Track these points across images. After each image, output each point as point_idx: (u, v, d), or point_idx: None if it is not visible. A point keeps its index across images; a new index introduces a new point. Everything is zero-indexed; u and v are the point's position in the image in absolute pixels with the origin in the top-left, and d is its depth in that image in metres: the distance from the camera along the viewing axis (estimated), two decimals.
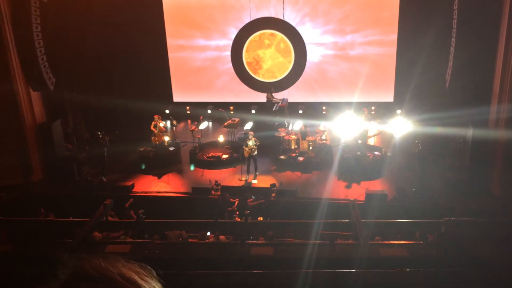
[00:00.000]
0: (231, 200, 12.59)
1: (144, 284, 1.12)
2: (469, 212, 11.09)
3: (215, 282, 7.56)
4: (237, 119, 17.20)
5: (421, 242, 8.23)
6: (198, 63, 20.22)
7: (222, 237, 10.47)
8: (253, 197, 12.70)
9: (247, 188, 13.91)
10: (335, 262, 7.54)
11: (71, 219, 9.98)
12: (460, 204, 12.37)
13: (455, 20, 13.99)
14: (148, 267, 1.21)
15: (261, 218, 11.71)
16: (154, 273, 1.21)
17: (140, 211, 10.24)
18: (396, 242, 8.54)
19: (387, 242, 8.72)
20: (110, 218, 10.07)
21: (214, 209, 12.10)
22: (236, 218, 11.85)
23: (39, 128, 15.04)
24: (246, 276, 7.68)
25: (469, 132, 13.43)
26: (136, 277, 1.12)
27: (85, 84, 17.49)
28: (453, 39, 14.17)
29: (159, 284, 1.20)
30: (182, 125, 18.76)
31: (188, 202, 13.67)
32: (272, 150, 16.11)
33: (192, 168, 15.66)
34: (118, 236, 10.37)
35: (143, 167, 15.67)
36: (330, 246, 7.82)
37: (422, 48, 15.98)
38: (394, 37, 18.65)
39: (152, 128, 16.00)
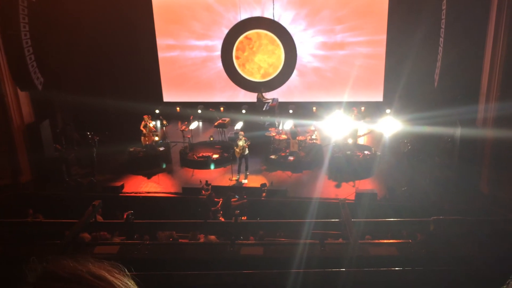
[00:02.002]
0: (215, 199, 12.57)
1: (115, 281, 1.10)
2: (458, 211, 11.19)
3: (205, 282, 7.53)
4: (227, 119, 17.19)
5: (410, 241, 8.26)
6: (188, 63, 20.17)
7: (212, 237, 10.44)
8: (237, 197, 12.68)
9: (231, 188, 13.89)
10: (326, 261, 7.55)
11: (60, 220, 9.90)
12: (448, 203, 12.47)
13: (443, 20, 14.08)
14: (120, 265, 1.19)
15: (245, 218, 11.69)
16: (127, 271, 1.19)
17: (128, 211, 10.19)
18: (385, 241, 8.56)
19: (376, 241, 8.74)
20: (98, 218, 10.00)
21: (198, 209, 12.09)
22: (220, 218, 11.84)
23: (27, 128, 14.90)
24: (236, 276, 7.65)
25: (457, 131, 13.52)
26: (106, 275, 1.11)
27: (74, 84, 17.39)
28: (441, 39, 14.27)
29: (131, 281, 1.18)
30: (172, 125, 18.70)
31: (178, 202, 13.63)
32: (263, 150, 16.12)
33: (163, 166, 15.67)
34: (109, 237, 10.32)
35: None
36: (321, 246, 7.83)
37: (411, 48, 16.07)
38: (383, 37, 18.74)
39: (141, 128, 15.93)
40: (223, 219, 11.66)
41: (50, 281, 1.05)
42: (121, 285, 1.10)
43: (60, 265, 1.09)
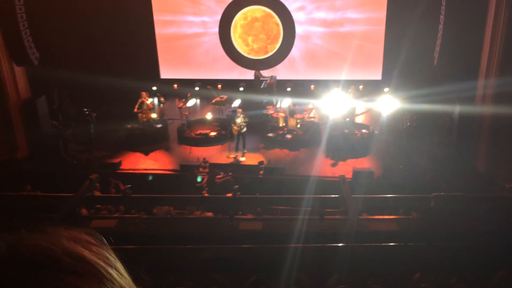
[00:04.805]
0: (200, 174, 12.56)
1: (94, 259, 0.91)
2: (455, 188, 11.20)
3: (203, 257, 7.54)
4: (225, 97, 17.07)
5: (410, 216, 8.29)
6: (186, 40, 19.96)
7: (209, 214, 10.44)
8: (222, 173, 12.66)
9: (228, 165, 13.82)
10: (325, 237, 7.56)
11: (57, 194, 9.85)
12: (446, 180, 12.48)
13: None
14: (96, 233, 0.99)
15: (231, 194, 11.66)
16: (104, 241, 0.99)
17: (126, 185, 10.14)
18: (385, 217, 8.58)
19: (376, 217, 8.75)
20: (95, 193, 9.97)
21: (183, 185, 12.06)
22: (205, 194, 11.81)
23: (23, 104, 14.73)
24: (235, 250, 7.68)
25: (456, 109, 13.48)
26: (85, 253, 0.91)
27: (70, 60, 17.19)
28: (441, 16, 14.13)
29: (110, 252, 0.98)
30: (169, 102, 18.57)
31: (176, 179, 13.60)
32: (260, 127, 16.05)
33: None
34: (104, 212, 10.30)
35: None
36: (320, 221, 7.84)
37: (411, 25, 15.92)
38: (383, 14, 18.55)
39: (136, 109, 15.73)
40: (207, 195, 11.63)
41: (14, 269, 0.83)
42: (101, 262, 0.91)
43: (29, 243, 0.88)
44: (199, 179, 12.45)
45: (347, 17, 18.95)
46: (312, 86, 19.38)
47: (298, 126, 15.76)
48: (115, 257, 0.98)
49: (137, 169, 14.09)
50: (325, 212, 8.45)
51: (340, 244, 7.21)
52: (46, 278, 0.83)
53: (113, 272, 0.93)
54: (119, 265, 0.97)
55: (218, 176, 12.49)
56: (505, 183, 11.89)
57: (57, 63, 16.68)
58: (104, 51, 18.51)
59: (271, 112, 16.35)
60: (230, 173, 12.71)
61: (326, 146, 14.92)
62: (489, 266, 6.94)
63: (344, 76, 18.24)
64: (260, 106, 17.18)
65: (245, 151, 14.71)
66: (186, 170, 13.57)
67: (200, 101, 19.14)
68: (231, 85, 19.29)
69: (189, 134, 15.86)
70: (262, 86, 17.60)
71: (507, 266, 6.80)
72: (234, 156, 14.57)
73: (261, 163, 13.57)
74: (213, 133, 15.83)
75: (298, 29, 19.32)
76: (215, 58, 20.07)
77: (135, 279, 1.01)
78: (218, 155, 14.89)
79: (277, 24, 19.37)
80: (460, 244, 7.40)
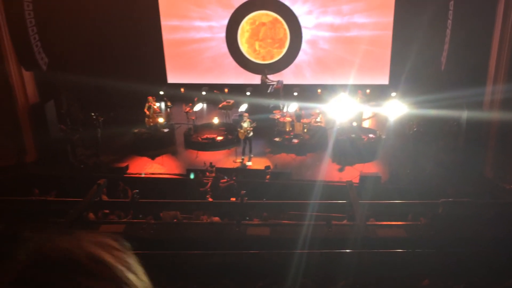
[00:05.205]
0: (204, 180, 12.58)
1: (115, 264, 0.96)
2: (462, 194, 11.15)
3: (211, 262, 7.55)
4: (232, 101, 17.10)
5: (419, 222, 8.25)
6: (193, 44, 20.02)
7: (216, 218, 10.45)
8: (226, 178, 12.67)
9: (235, 170, 13.84)
10: (332, 242, 7.56)
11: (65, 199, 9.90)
12: (452, 186, 12.43)
13: (451, 2, 13.90)
14: (121, 238, 1.04)
15: (234, 199, 11.68)
16: (128, 245, 1.04)
17: (134, 190, 10.17)
18: (393, 223, 8.55)
19: (384, 223, 8.73)
20: (103, 198, 10.01)
21: (186, 189, 12.09)
22: (209, 198, 11.83)
23: (32, 108, 14.85)
24: (242, 256, 7.68)
25: (464, 114, 13.44)
26: (106, 256, 0.96)
27: (79, 65, 17.28)
28: (449, 21, 14.10)
29: (133, 258, 1.03)
30: (176, 106, 18.62)
31: (182, 183, 13.63)
32: (267, 132, 16.06)
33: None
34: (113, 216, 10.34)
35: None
36: (327, 227, 7.83)
37: (418, 30, 15.87)
38: (390, 19, 18.53)
39: (146, 110, 15.85)
40: (211, 200, 11.65)
41: (39, 269, 0.89)
42: (121, 267, 0.96)
43: (54, 245, 0.94)
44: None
45: (354, 21, 18.94)
46: (319, 91, 19.38)
47: (305, 130, 15.76)
48: (136, 261, 1.03)
49: (144, 174, 14.11)
50: (332, 218, 8.44)
51: (347, 250, 7.20)
52: (64, 279, 0.88)
53: (131, 275, 0.97)
54: (139, 270, 1.02)
55: (222, 181, 12.51)
56: (505, 184, 11.87)
57: (66, 68, 16.78)
58: (112, 56, 18.61)
59: (278, 116, 16.36)
60: (234, 178, 12.73)
61: (332, 151, 14.90)
62: (497, 272, 6.91)
63: (351, 80, 18.20)
64: (267, 110, 17.19)
65: (252, 155, 14.72)
66: (196, 175, 13.60)
67: (207, 106, 19.17)
68: (238, 89, 19.30)
69: (196, 139, 15.89)
70: (268, 91, 17.61)
71: None
72: (240, 160, 14.59)
73: (267, 167, 13.58)
74: (219, 138, 15.85)
75: (305, 34, 19.33)
76: (222, 62, 20.11)
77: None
78: (224, 159, 14.91)
79: (284, 29, 19.40)
80: (468, 250, 7.38)
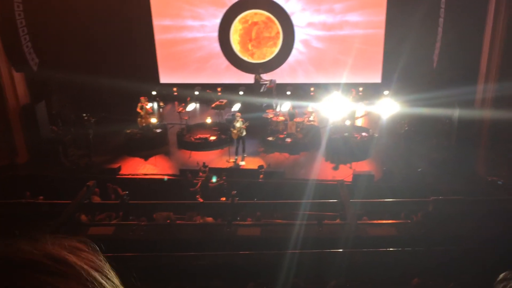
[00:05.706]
0: (194, 181, 12.53)
1: (78, 263, 0.94)
2: (454, 192, 11.16)
3: (201, 263, 7.51)
4: (224, 101, 17.06)
5: (409, 221, 8.24)
6: (185, 44, 19.96)
7: (209, 218, 10.41)
8: (217, 178, 12.65)
9: (228, 170, 13.79)
10: (323, 242, 7.53)
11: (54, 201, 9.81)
12: (445, 184, 12.44)
13: (443, 1, 13.92)
14: (89, 241, 1.03)
15: (224, 199, 11.65)
16: (97, 248, 1.03)
17: (123, 192, 10.11)
18: (384, 221, 8.54)
19: (375, 222, 8.71)
20: (95, 199, 9.94)
21: (178, 190, 12.03)
22: (199, 199, 11.79)
23: (23, 109, 14.76)
24: (233, 257, 7.65)
25: (456, 113, 13.46)
26: (68, 256, 0.94)
27: (70, 65, 17.15)
28: (441, 19, 14.12)
29: (100, 257, 1.01)
30: (169, 106, 18.57)
31: (175, 184, 13.57)
32: (260, 131, 16.03)
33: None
34: (103, 217, 10.28)
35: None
36: (318, 226, 7.81)
37: (410, 29, 15.90)
38: (382, 18, 18.55)
39: (138, 110, 15.78)
40: (201, 200, 11.61)
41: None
42: (86, 266, 0.94)
43: (13, 249, 0.92)
44: (214, 179, 12.45)
45: (346, 20, 18.94)
46: (312, 89, 19.37)
47: (298, 129, 15.74)
48: (104, 261, 1.01)
49: (137, 174, 14.05)
50: (323, 217, 8.42)
51: (339, 250, 7.18)
52: (24, 278, 0.87)
53: (97, 275, 0.95)
54: (106, 269, 1.00)
55: (211, 181, 12.47)
56: (488, 176, 11.92)
57: (57, 69, 16.66)
58: (104, 56, 18.50)
59: (271, 115, 16.34)
60: (224, 177, 12.70)
61: (326, 150, 14.91)
62: (489, 270, 6.89)
63: (344, 79, 18.21)
64: (260, 110, 17.17)
65: (245, 155, 14.68)
66: (185, 175, 13.56)
67: (200, 106, 19.13)
68: (230, 89, 19.27)
69: (189, 139, 15.84)
70: (261, 90, 17.58)
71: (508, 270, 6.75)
72: (234, 160, 14.55)
73: (261, 167, 13.56)
74: (212, 138, 15.81)
75: (298, 33, 19.31)
76: (215, 62, 20.07)
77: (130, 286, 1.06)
78: (218, 159, 14.86)
79: (277, 28, 19.37)
80: (459, 248, 7.37)
